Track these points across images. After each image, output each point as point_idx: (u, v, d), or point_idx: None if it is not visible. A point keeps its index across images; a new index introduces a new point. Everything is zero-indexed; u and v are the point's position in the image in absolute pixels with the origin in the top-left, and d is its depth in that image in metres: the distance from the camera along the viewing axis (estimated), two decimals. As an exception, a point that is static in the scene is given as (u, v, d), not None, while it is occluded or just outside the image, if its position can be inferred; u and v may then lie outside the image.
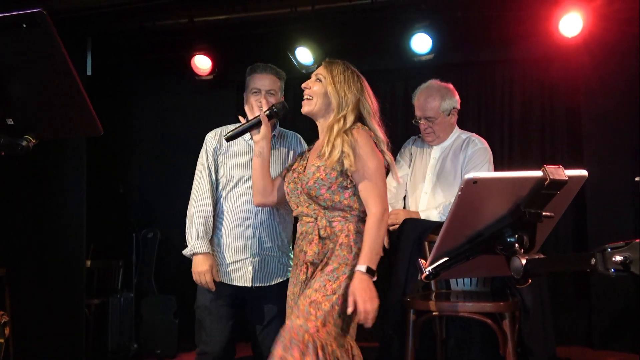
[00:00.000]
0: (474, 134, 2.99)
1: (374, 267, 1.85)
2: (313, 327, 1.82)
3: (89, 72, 4.14)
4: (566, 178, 0.94)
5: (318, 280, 1.90)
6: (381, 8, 4.11)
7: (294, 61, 4.42)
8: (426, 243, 2.57)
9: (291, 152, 2.57)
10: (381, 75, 4.52)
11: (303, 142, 2.62)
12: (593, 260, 0.83)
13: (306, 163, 2.06)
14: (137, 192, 5.01)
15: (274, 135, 2.53)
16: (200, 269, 2.39)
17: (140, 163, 5.06)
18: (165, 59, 4.75)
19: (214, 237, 2.49)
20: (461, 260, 1.08)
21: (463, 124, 4.64)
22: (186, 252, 2.46)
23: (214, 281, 2.42)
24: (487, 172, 0.87)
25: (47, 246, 4.02)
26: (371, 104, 2.04)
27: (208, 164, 2.51)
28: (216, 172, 2.51)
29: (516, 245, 1.02)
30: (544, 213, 0.96)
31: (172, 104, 5.05)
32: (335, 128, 1.96)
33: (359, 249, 1.90)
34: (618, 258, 0.81)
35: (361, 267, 1.83)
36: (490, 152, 2.91)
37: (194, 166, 2.60)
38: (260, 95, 2.46)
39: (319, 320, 1.83)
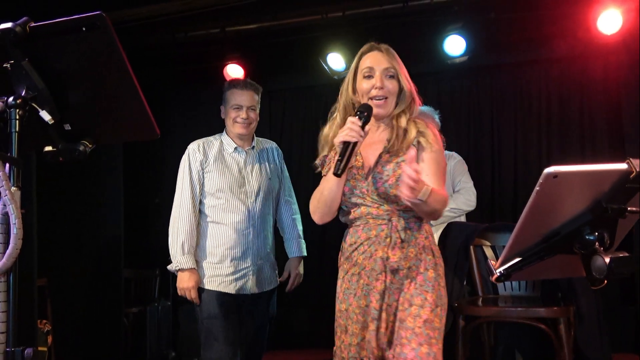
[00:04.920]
0: None
1: None
2: (438, 350, 1.69)
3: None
4: (653, 170, 0.88)
5: (415, 293, 1.73)
6: (413, 12, 4.08)
7: (326, 67, 4.41)
8: (472, 247, 2.50)
9: (270, 162, 2.69)
10: (414, 79, 4.43)
11: (279, 150, 2.77)
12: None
13: (372, 159, 1.83)
14: (172, 201, 5.04)
15: (253, 146, 2.66)
16: (186, 285, 2.42)
17: (175, 173, 5.09)
18: (198, 69, 4.79)
19: (211, 249, 2.51)
20: (535, 260, 1.03)
21: (499, 126, 4.59)
22: (171, 267, 2.48)
23: (218, 291, 2.47)
24: (568, 166, 0.83)
25: (86, 256, 4.08)
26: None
27: (192, 177, 2.53)
28: (202, 185, 2.54)
29: (596, 243, 0.97)
30: (629, 208, 0.91)
31: (207, 113, 5.08)
32: (404, 118, 1.83)
33: (438, 251, 1.81)
34: None
35: None
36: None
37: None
38: (242, 111, 2.57)
39: (439, 342, 1.70)
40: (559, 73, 4.43)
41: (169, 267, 2.50)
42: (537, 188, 0.88)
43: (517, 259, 1.03)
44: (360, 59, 1.89)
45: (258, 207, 2.57)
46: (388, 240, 1.75)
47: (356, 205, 1.81)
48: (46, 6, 2.92)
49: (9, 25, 1.04)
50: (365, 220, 1.80)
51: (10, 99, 1.09)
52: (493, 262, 1.05)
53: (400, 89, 1.84)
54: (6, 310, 1.06)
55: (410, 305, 1.71)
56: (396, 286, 1.74)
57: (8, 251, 1.02)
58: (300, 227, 2.76)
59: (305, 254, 2.74)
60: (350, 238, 1.85)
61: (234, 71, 4.56)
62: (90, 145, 1.17)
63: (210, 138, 2.66)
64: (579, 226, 0.97)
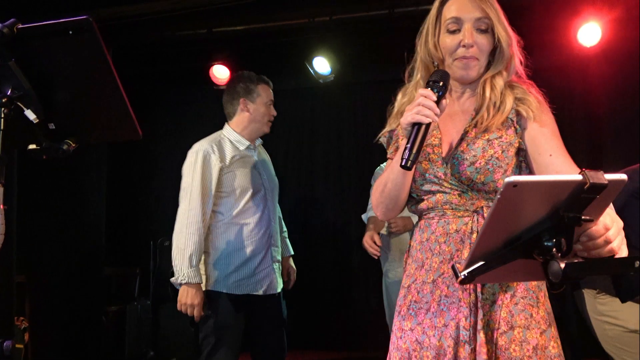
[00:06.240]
0: None
1: None
2: None
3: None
4: (606, 182, 0.93)
5: (517, 310, 1.31)
6: (399, 17, 4.14)
7: (312, 71, 4.46)
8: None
9: (268, 158, 2.62)
10: (401, 85, 4.53)
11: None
12: (637, 263, 0.83)
13: (455, 135, 1.41)
14: (155, 201, 5.06)
15: (259, 143, 2.56)
16: (191, 301, 2.25)
17: (159, 172, 5.12)
18: (184, 69, 4.82)
19: (235, 252, 2.38)
20: (497, 264, 1.08)
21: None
22: (175, 280, 2.28)
23: (243, 295, 2.37)
24: (527, 176, 0.88)
25: (67, 254, 4.07)
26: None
27: (204, 182, 2.32)
28: (221, 188, 2.37)
29: (554, 249, 1.02)
30: (583, 217, 0.97)
31: (191, 113, 5.11)
32: (499, 82, 1.40)
33: None
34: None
35: None
36: None
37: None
38: (272, 109, 2.52)
39: None
40: (540, 84, 4.46)
41: (172, 279, 2.29)
42: (498, 196, 0.93)
43: (481, 263, 1.08)
44: (442, 4, 1.43)
45: (274, 205, 2.54)
46: (475, 237, 1.33)
47: (430, 192, 1.40)
48: (35, 3, 2.93)
49: (-4, 26, 1.07)
50: (442, 211, 1.39)
51: (-4, 97, 1.11)
52: (458, 265, 1.10)
53: (495, 45, 1.39)
54: (-14, 304, 1.09)
55: (511, 327, 1.30)
56: (486, 297, 1.33)
57: (-10, 246, 1.05)
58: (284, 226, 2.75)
59: (292, 252, 2.73)
60: (420, 234, 1.43)
61: (220, 72, 4.59)
62: (73, 145, 1.20)
63: (216, 137, 2.46)
64: (539, 233, 1.02)
